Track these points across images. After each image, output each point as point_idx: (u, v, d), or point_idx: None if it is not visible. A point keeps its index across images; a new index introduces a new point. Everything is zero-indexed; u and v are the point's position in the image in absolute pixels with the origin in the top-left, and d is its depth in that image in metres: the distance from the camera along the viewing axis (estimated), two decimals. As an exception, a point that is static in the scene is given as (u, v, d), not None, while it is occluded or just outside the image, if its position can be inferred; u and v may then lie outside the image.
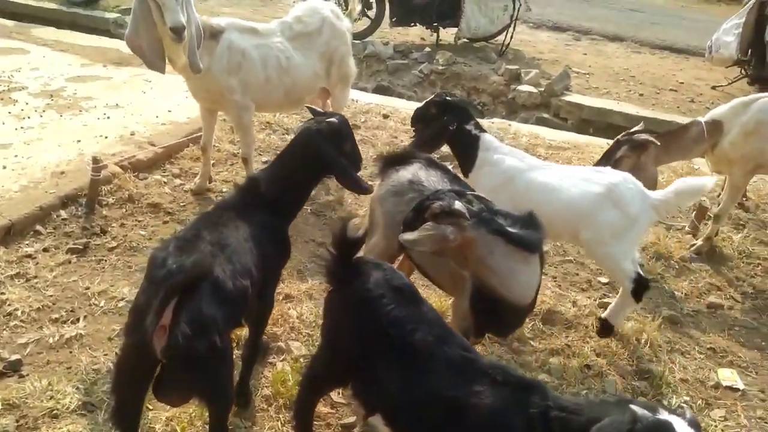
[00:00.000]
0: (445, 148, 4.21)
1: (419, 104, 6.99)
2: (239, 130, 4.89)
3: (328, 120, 3.20)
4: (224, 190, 5.07)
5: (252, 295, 2.63)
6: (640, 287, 3.56)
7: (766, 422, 3.35)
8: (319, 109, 3.45)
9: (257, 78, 4.60)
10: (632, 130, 4.64)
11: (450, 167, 3.53)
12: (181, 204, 4.80)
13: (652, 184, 4.50)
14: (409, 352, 2.22)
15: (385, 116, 6.87)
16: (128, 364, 2.30)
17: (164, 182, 5.05)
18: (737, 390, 3.54)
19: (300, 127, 3.24)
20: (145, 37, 4.13)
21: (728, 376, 3.62)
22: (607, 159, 4.50)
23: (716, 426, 3.27)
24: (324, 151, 3.12)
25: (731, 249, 4.97)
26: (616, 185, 3.50)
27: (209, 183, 5.04)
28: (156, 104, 6.48)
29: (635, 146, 4.44)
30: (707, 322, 4.14)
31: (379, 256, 3.27)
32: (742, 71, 9.19)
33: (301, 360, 3.40)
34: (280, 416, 3.06)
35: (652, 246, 4.82)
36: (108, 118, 6.06)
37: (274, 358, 3.44)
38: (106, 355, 3.34)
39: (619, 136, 4.57)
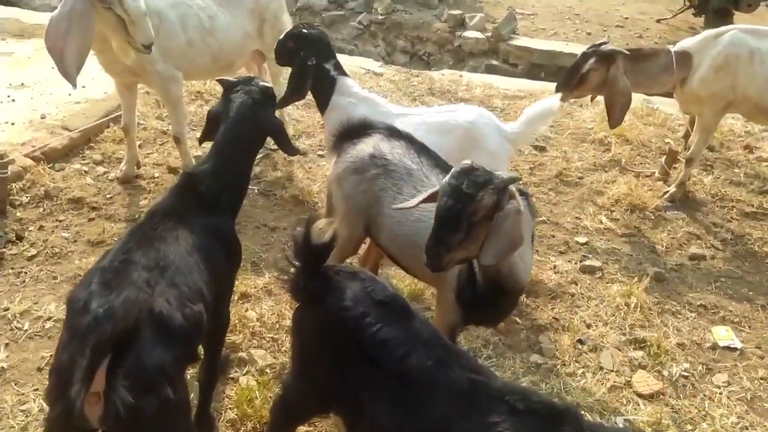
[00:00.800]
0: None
1: (362, 58, 6.44)
2: (167, 105, 4.29)
3: (258, 84, 2.74)
4: (156, 175, 4.49)
5: (207, 318, 2.18)
6: None
7: (768, 382, 3.18)
8: (229, 78, 2.87)
9: (178, 42, 3.99)
10: (598, 42, 4.31)
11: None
12: (107, 196, 4.21)
13: (626, 99, 4.20)
14: (404, 381, 1.83)
15: (328, 75, 6.31)
16: None
17: (85, 171, 4.42)
18: (735, 349, 3.36)
19: (222, 105, 2.72)
20: (74, 43, 3.42)
21: (724, 335, 3.44)
22: (573, 74, 4.20)
23: (721, 393, 3.08)
24: (268, 119, 2.71)
25: (704, 192, 4.79)
26: (472, 123, 3.28)
27: (137, 168, 4.44)
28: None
29: (603, 58, 4.14)
30: (692, 276, 3.94)
31: (343, 246, 2.85)
32: (687, 2, 8.99)
33: (268, 371, 2.99)
34: (251, 443, 2.67)
35: (625, 198, 4.56)
36: (13, 101, 5.29)
37: (236, 372, 3.01)
38: (36, 390, 2.83)
39: (584, 49, 4.24)
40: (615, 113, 4.25)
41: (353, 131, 2.92)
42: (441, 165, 2.70)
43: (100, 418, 1.67)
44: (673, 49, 4.40)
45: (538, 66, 7.96)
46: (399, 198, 2.62)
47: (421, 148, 2.78)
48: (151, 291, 1.96)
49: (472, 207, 2.09)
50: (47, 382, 2.75)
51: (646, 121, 5.79)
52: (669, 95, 5.03)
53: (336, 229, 2.00)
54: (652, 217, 4.47)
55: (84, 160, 4.58)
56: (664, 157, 4.96)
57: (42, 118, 5.01)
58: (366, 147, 2.81)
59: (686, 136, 5.32)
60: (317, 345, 2.04)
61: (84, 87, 5.63)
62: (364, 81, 6.38)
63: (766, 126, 5.47)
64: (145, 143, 4.82)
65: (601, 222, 4.35)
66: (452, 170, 2.19)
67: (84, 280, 2.01)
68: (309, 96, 5.64)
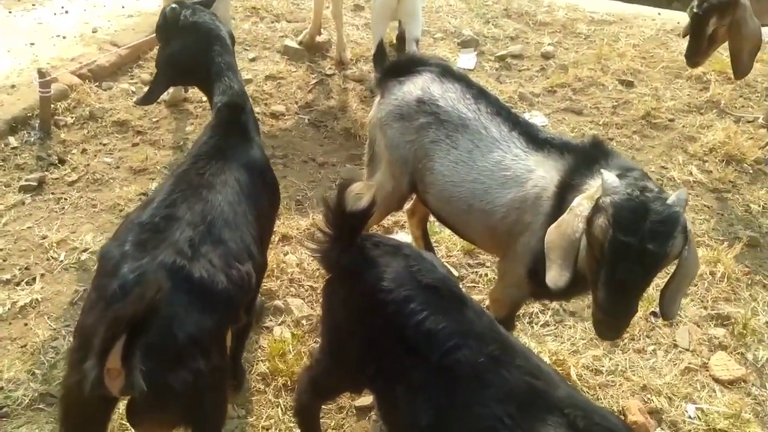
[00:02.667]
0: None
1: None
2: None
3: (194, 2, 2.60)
4: (204, 99, 4.24)
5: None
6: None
7: None
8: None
9: None
10: None
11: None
12: (154, 120, 4.01)
13: (756, 43, 3.54)
14: (449, 377, 1.56)
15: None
16: (76, 402, 1.69)
17: (132, 92, 4.22)
18: (837, 335, 2.91)
19: (195, 34, 2.48)
20: None
21: (825, 317, 2.97)
22: (698, 40, 3.56)
23: (815, 387, 2.68)
24: None
25: (816, 144, 4.13)
26: None
27: (185, 92, 4.20)
28: (122, -9, 5.47)
29: (723, 10, 3.46)
30: (793, 243, 3.43)
31: (386, 200, 2.54)
32: None
33: (304, 323, 2.80)
34: (280, 400, 2.50)
35: (721, 147, 3.99)
36: (66, 12, 5.11)
37: (271, 321, 2.83)
38: (67, 326, 2.75)
39: (693, 8, 3.55)
40: (743, 60, 3.57)
41: (400, 67, 2.52)
42: (503, 113, 2.31)
43: (121, 390, 1.54)
44: None
45: (630, -15, 7.06)
46: (453, 153, 2.26)
47: (479, 93, 2.38)
48: (193, 252, 1.77)
49: (662, 264, 1.77)
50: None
51: (754, 55, 5.03)
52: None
53: (375, 194, 1.68)
54: (750, 171, 3.91)
55: (132, 79, 4.37)
56: (772, 100, 4.30)
57: (93, 32, 4.83)
58: (413, 89, 2.42)
59: (801, 75, 4.60)
60: (349, 324, 1.79)
61: (138, -1, 5.40)
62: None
63: None
64: (195, 63, 4.56)
65: (691, 173, 3.83)
66: (617, 212, 1.73)
67: (120, 233, 1.85)
68: (369, 16, 5.23)
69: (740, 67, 3.60)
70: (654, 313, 2.93)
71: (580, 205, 1.82)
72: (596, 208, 1.77)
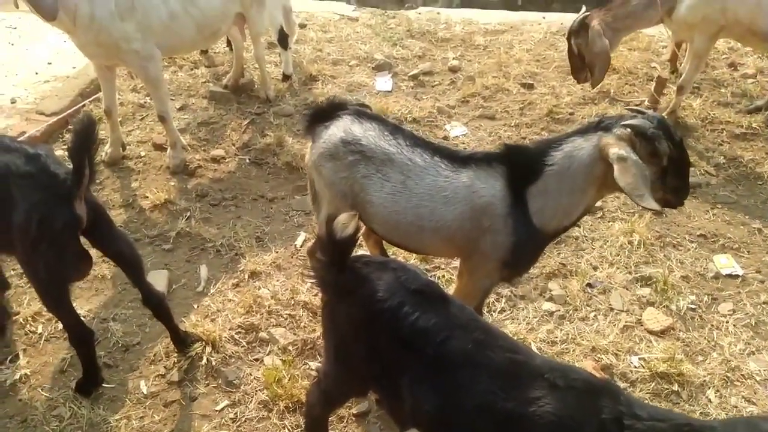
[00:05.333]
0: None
1: (334, 2, 6.31)
2: (147, 85, 4.11)
3: None
4: (142, 153, 4.37)
5: None
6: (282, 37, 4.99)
7: (771, 306, 3.31)
8: None
9: (159, 16, 3.77)
10: (575, 19, 4.47)
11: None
12: (97, 182, 4.09)
13: (604, 59, 4.38)
14: (444, 365, 1.87)
15: (302, 26, 6.08)
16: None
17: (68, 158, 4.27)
18: (737, 276, 3.47)
19: None
20: None
21: (725, 263, 3.53)
22: (574, 62, 4.59)
23: (727, 321, 3.20)
24: None
25: (693, 117, 4.79)
26: None
27: (123, 150, 4.31)
28: (31, 57, 5.46)
29: (578, 32, 4.42)
30: (690, 205, 4.00)
31: None
32: None
33: (290, 349, 3.03)
34: (285, 422, 2.73)
35: (617, 131, 4.56)
36: (-23, 85, 5.05)
37: (259, 352, 3.04)
38: (65, 393, 2.85)
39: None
40: (595, 74, 4.50)
41: (323, 113, 2.73)
42: (420, 143, 2.57)
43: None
44: None
45: (512, -8, 7.74)
46: (387, 185, 2.51)
47: (395, 129, 2.63)
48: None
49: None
50: (72, 382, 2.81)
51: (631, 46, 5.72)
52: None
53: (356, 217, 1.97)
54: (646, 148, 4.48)
55: (65, 144, 4.41)
56: (653, 84, 4.93)
57: (12, 103, 4.82)
58: (337, 131, 2.63)
59: (672, 59, 5.30)
60: (353, 336, 2.05)
61: (50, 63, 5.41)
62: (340, 27, 6.18)
63: (760, 50, 5.38)
64: (124, 119, 4.66)
65: (597, 159, 4.36)
66: (667, 131, 2.28)
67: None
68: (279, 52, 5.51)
69: (594, 78, 4.52)
70: (589, 284, 3.39)
71: (621, 150, 2.24)
72: (645, 138, 2.26)
